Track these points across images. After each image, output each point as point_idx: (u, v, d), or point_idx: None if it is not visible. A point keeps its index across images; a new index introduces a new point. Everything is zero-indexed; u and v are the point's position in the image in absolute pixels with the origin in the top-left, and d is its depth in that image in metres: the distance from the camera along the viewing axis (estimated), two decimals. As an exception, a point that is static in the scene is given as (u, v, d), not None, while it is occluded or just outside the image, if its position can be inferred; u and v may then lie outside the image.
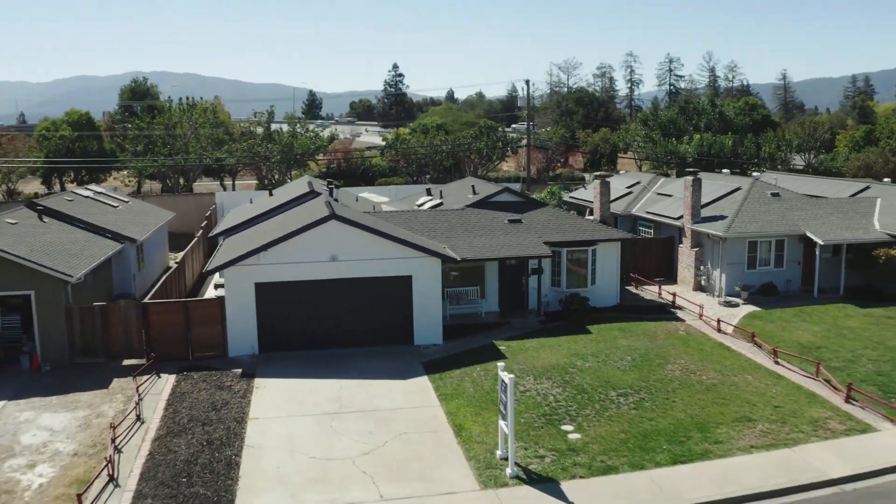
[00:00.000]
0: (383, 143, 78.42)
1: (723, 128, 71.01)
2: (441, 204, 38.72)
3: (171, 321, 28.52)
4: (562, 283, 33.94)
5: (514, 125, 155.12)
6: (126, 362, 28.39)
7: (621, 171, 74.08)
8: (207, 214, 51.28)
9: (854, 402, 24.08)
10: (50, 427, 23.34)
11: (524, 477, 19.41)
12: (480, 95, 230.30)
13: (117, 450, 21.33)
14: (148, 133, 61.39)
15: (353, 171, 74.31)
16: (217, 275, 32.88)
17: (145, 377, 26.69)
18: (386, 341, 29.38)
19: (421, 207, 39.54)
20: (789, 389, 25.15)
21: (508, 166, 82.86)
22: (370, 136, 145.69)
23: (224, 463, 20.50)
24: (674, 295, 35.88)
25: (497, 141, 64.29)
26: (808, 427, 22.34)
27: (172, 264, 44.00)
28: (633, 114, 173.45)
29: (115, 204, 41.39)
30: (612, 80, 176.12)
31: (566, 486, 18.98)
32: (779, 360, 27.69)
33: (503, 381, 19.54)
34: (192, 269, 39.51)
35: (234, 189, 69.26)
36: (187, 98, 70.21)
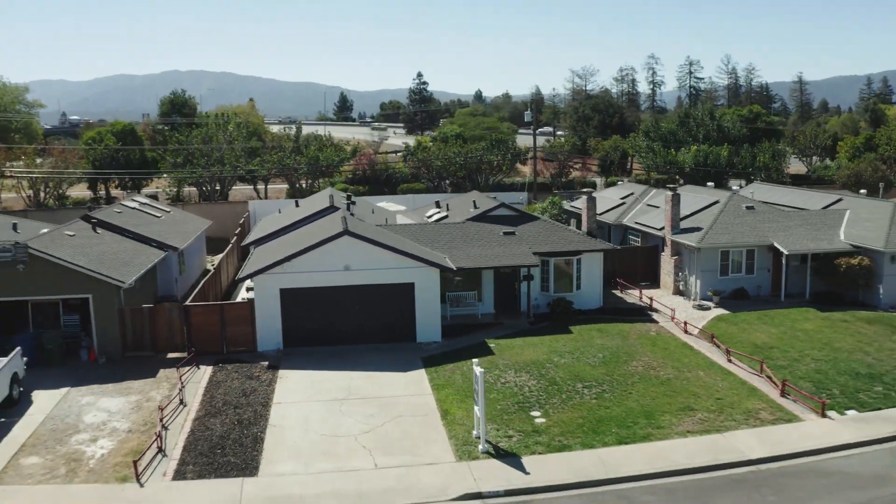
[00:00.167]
0: (405, 150, 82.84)
1: (721, 138, 74.61)
2: (447, 216, 43.17)
3: (208, 321, 33.34)
4: (550, 288, 38.27)
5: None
6: (170, 355, 33.24)
7: (632, 176, 77.93)
8: (241, 222, 56.29)
9: (788, 397, 28.13)
10: (107, 409, 28.17)
11: (493, 452, 23.84)
12: (507, 96, 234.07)
13: (164, 427, 26.05)
14: (186, 146, 66.59)
15: (377, 176, 78.59)
16: (248, 280, 37.64)
17: (187, 368, 31.49)
18: (391, 339, 33.96)
19: (429, 219, 44.00)
20: (734, 384, 29.26)
21: (528, 169, 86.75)
22: (398, 138, 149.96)
23: (251, 438, 25.20)
24: (651, 299, 40.05)
25: (507, 153, 68.63)
26: (741, 416, 26.48)
27: (210, 267, 49.06)
28: (654, 116, 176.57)
29: (159, 214, 46.40)
30: (633, 81, 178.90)
31: (526, 460, 23.38)
32: (731, 358, 31.79)
33: (476, 373, 23.99)
34: (227, 273, 44.35)
35: (266, 194, 74.15)
36: (223, 115, 75.19)
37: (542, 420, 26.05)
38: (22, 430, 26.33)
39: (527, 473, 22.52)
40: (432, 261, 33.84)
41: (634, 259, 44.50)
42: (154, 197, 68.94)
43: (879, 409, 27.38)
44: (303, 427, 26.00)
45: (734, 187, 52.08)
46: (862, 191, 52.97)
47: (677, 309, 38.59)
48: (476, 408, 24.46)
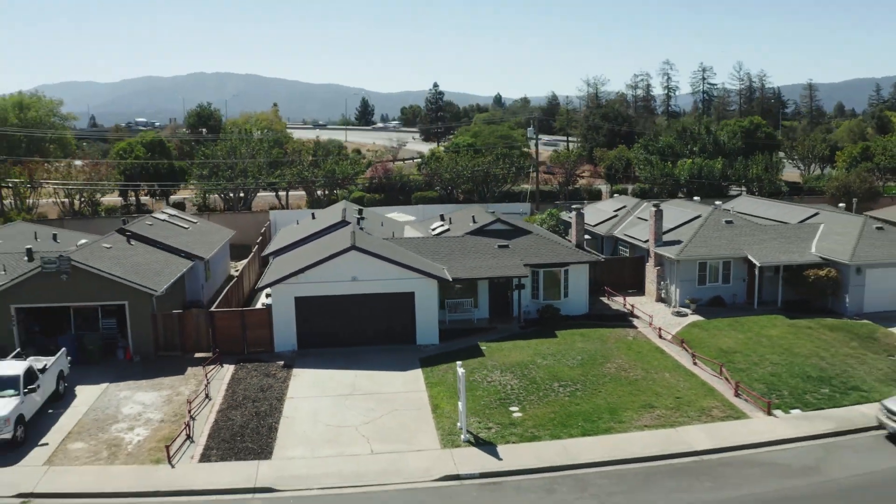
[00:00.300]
0: (419, 159, 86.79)
1: (716, 151, 77.90)
2: (449, 230, 47.00)
3: (231, 324, 37.44)
4: (540, 296, 42.03)
5: (548, 136, 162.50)
6: (197, 355, 37.36)
7: (636, 185, 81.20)
8: (262, 231, 60.54)
9: (740, 397, 31.67)
10: (142, 402, 32.30)
11: (473, 441, 27.67)
12: (525, 101, 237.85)
13: (192, 418, 30.07)
14: (212, 160, 71.11)
15: (392, 185, 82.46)
16: (267, 288, 41.68)
17: (212, 367, 35.57)
18: (394, 341, 37.87)
19: (433, 231, 47.84)
20: (695, 385, 32.86)
21: (543, 176, 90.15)
22: (416, 143, 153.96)
23: (267, 427, 29.21)
24: (632, 306, 43.69)
25: (511, 166, 72.49)
26: (695, 413, 30.10)
27: (234, 273, 53.26)
28: (670, 120, 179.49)
29: (186, 226, 50.62)
30: (649, 87, 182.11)
31: (500, 448, 27.19)
32: (696, 361, 35.38)
33: (459, 374, 27.85)
34: (248, 280, 48.48)
35: (287, 201, 78.40)
36: (247, 127, 79.52)
37: (519, 414, 29.84)
38: (68, 419, 30.53)
39: (500, 459, 26.34)
40: (431, 272, 37.70)
41: (622, 269, 48.11)
42: (181, 205, 73.63)
43: (822, 408, 30.83)
44: (312, 419, 29.96)
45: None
46: (840, 204, 56.10)
47: (657, 315, 42.19)
48: (460, 403, 28.28)
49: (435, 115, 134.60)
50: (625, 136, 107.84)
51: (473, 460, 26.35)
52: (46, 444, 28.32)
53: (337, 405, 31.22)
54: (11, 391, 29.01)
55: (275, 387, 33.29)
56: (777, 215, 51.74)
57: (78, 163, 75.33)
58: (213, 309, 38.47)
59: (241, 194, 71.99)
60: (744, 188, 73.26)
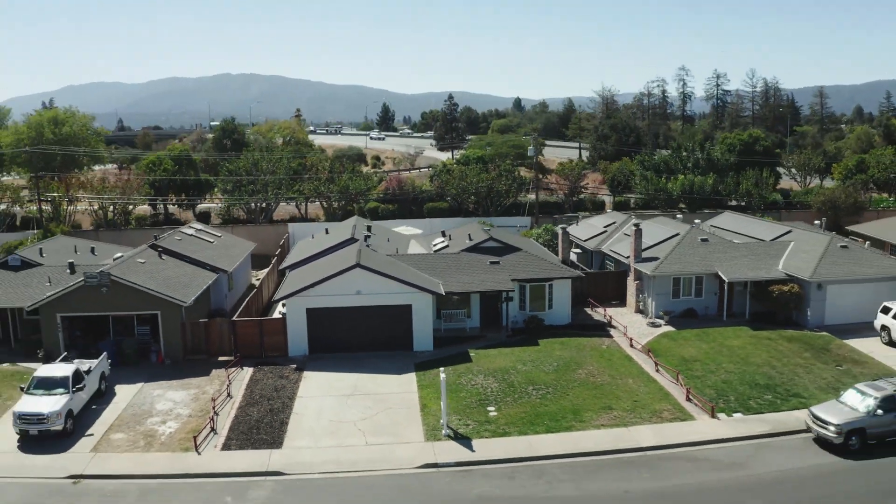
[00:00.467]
0: (431, 171, 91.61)
1: (709, 167, 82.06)
2: (448, 246, 51.79)
3: (250, 332, 42.53)
4: (526, 307, 46.71)
5: (561, 143, 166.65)
6: (220, 359, 42.46)
7: (637, 197, 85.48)
8: (281, 243, 65.82)
9: (691, 401, 36.12)
10: (173, 399, 37.41)
11: (452, 436, 32.47)
12: (543, 105, 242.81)
13: (216, 413, 35.08)
14: (236, 176, 76.72)
15: (405, 195, 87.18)
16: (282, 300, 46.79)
17: (233, 369, 40.63)
18: (393, 348, 42.72)
19: (434, 247, 52.65)
20: (653, 390, 37.37)
21: (551, 181, 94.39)
22: (433, 150, 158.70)
23: (279, 422, 34.21)
24: (609, 317, 48.25)
25: (512, 182, 77.30)
26: (648, 415, 34.63)
27: (255, 282, 58.42)
28: (684, 125, 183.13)
29: (211, 240, 55.85)
30: (664, 93, 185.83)
31: (475, 442, 31.98)
32: (659, 369, 39.87)
33: (441, 378, 32.70)
34: (267, 289, 53.59)
35: (306, 211, 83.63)
36: (269, 140, 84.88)
37: (495, 414, 34.59)
38: (110, 414, 35.71)
39: (473, 451, 31.14)
40: (426, 287, 42.54)
41: (606, 282, 52.65)
42: (207, 214, 79.20)
43: (762, 412, 35.17)
44: (317, 415, 34.91)
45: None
46: (816, 221, 60.06)
47: (632, 326, 46.69)
48: (442, 403, 33.09)
49: (449, 125, 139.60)
50: (632, 146, 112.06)
51: (451, 452, 31.15)
52: (92, 434, 33.50)
53: (340, 404, 36.13)
54: (62, 390, 34.20)
55: (287, 387, 38.25)
56: (754, 232, 55.92)
57: (109, 167, 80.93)
58: (234, 318, 43.57)
59: (263, 204, 77.43)
60: (735, 202, 77.20)
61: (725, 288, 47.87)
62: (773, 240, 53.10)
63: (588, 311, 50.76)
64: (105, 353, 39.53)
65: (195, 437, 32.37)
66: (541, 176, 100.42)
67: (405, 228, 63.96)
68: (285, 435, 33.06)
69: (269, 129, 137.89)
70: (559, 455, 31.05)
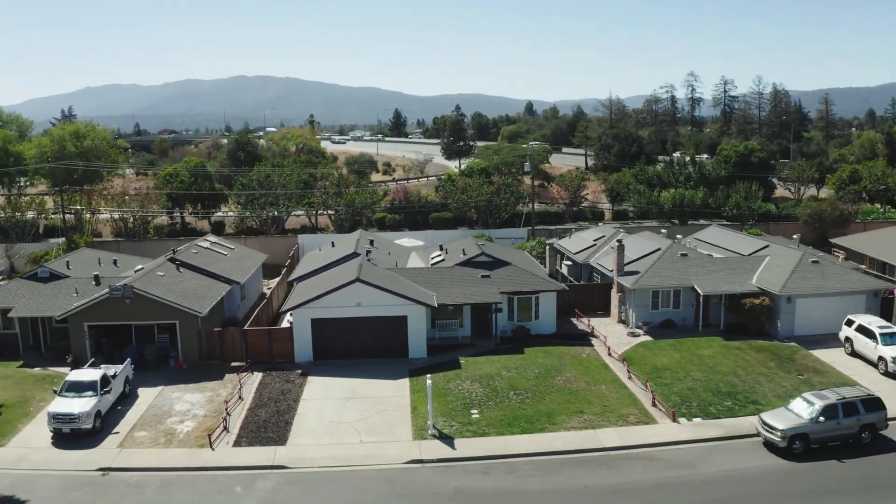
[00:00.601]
0: (437, 182, 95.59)
1: (700, 180, 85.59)
2: (444, 259, 55.72)
3: (260, 340, 46.64)
4: (514, 317, 50.55)
5: (568, 149, 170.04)
6: (233, 364, 46.54)
7: (635, 207, 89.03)
8: (291, 253, 70.03)
9: (656, 406, 39.78)
10: (190, 401, 41.52)
11: (437, 435, 36.39)
12: (554, 110, 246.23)
13: (228, 414, 39.11)
14: (248, 190, 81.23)
15: (411, 205, 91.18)
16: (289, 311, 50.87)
17: (244, 374, 44.70)
18: (389, 355, 46.70)
19: (432, 260, 56.59)
20: (623, 396, 41.07)
21: (554, 190, 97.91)
22: (442, 157, 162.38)
23: (284, 422, 38.25)
24: (592, 327, 51.99)
25: (510, 196, 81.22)
26: (615, 419, 38.36)
27: (266, 290, 62.56)
28: (693, 130, 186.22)
29: (225, 252, 60.03)
30: (673, 98, 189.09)
31: (457, 441, 35.90)
32: (631, 376, 43.56)
33: (427, 384, 36.64)
34: (277, 299, 57.72)
35: (316, 220, 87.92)
36: (283, 148, 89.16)
37: (477, 416, 38.48)
38: (133, 414, 39.85)
39: (454, 449, 35.07)
40: (421, 300, 46.52)
41: (592, 294, 56.42)
42: (221, 224, 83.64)
43: (720, 418, 38.70)
44: (319, 416, 38.93)
45: (677, 236, 63.00)
46: (795, 235, 63.33)
47: (613, 336, 50.39)
48: (429, 406, 37.02)
49: (457, 136, 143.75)
50: (634, 156, 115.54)
51: (435, 449, 35.10)
52: (118, 432, 37.65)
53: (339, 406, 40.13)
54: (91, 392, 38.37)
55: (293, 391, 42.26)
56: (735, 246, 59.47)
57: (128, 171, 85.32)
58: (246, 327, 47.70)
59: (275, 213, 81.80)
60: (727, 214, 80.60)
61: (701, 300, 51.46)
62: (750, 254, 56.62)
63: (574, 321, 54.46)
64: (129, 359, 43.69)
65: (210, 435, 36.45)
66: (545, 184, 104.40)
67: (407, 240, 67.87)
68: (290, 433, 37.08)
69: (283, 136, 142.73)
70: (531, 454, 34.87)
